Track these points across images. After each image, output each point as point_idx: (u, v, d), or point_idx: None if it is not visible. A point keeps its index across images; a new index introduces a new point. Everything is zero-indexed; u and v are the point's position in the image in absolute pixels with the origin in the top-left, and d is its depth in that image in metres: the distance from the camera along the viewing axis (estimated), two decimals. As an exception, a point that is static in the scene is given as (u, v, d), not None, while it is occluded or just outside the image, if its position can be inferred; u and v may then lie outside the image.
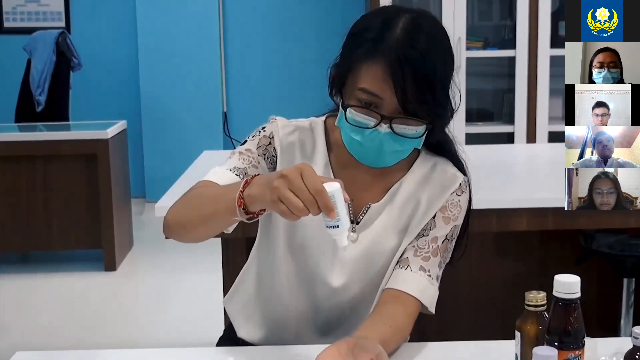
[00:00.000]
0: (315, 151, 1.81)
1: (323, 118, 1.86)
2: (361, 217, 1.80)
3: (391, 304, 1.73)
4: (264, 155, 1.79)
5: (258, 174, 1.56)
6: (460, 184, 1.81)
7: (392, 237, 1.79)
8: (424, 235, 1.79)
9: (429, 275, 1.77)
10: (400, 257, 1.79)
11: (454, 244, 1.83)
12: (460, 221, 1.82)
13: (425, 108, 1.62)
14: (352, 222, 1.80)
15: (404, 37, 1.60)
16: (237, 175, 1.74)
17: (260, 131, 1.81)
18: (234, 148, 1.87)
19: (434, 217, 1.79)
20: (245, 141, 1.82)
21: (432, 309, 1.78)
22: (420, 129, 1.65)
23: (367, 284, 1.81)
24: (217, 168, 1.77)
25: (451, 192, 1.80)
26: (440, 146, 1.85)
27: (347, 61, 1.67)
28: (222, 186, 1.67)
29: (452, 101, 1.70)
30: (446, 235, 1.80)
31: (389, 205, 1.80)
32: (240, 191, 1.52)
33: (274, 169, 1.79)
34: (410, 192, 1.80)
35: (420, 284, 1.75)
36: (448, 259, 1.83)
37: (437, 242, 1.79)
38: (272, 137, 1.79)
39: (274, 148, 1.79)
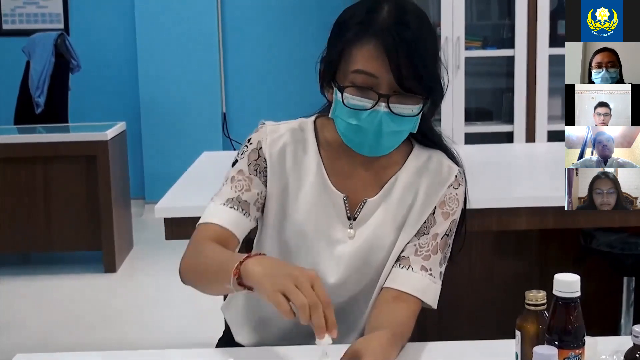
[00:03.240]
0: (307, 151, 1.82)
1: (312, 118, 1.87)
2: (357, 213, 1.81)
3: (392, 304, 1.74)
4: (256, 171, 1.80)
5: (262, 254, 1.56)
6: (456, 175, 1.82)
7: (390, 233, 1.80)
8: (424, 234, 1.79)
9: (431, 274, 1.78)
10: (400, 255, 1.80)
11: (452, 238, 1.84)
12: (457, 215, 1.83)
13: (420, 83, 1.64)
14: (348, 218, 1.80)
15: (392, 16, 1.65)
16: (231, 207, 1.76)
17: (247, 145, 1.82)
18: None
19: (433, 213, 1.80)
20: (236, 160, 1.82)
21: (435, 305, 1.79)
22: (416, 108, 1.67)
23: (365, 280, 1.81)
24: (212, 205, 1.79)
25: (449, 185, 1.81)
26: (429, 140, 1.86)
27: (337, 49, 1.69)
28: (225, 253, 1.67)
29: (442, 81, 1.72)
30: (445, 231, 1.81)
31: (385, 200, 1.81)
32: (240, 262, 1.53)
33: (266, 181, 1.80)
34: (407, 184, 1.81)
35: (422, 284, 1.76)
36: (449, 255, 1.84)
37: (437, 239, 1.80)
38: (260, 148, 1.80)
39: (264, 160, 1.80)
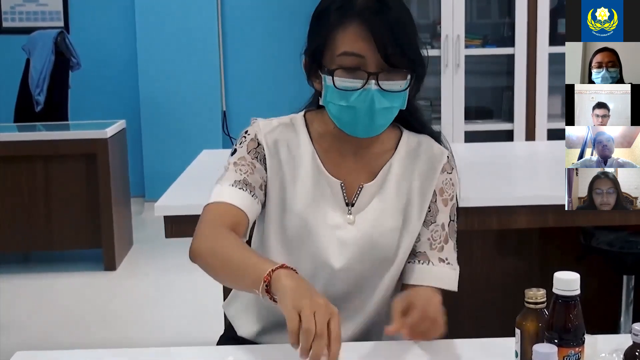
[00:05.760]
0: (300, 144, 1.85)
1: (302, 113, 1.91)
2: (355, 199, 1.84)
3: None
4: (257, 158, 1.83)
5: (293, 269, 1.57)
6: (448, 157, 1.88)
7: (391, 217, 1.83)
8: (432, 223, 1.86)
9: (449, 264, 1.86)
10: (417, 251, 1.86)
11: (456, 220, 1.91)
12: (455, 198, 1.90)
13: (405, 58, 1.69)
14: (347, 204, 1.83)
15: None
16: (240, 189, 1.78)
17: (245, 136, 1.86)
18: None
19: (435, 201, 1.86)
20: (235, 150, 1.85)
21: (456, 289, 1.87)
22: (404, 83, 1.72)
23: (370, 265, 1.84)
24: (219, 186, 1.80)
25: (442, 169, 1.86)
26: (417, 121, 1.91)
27: (320, 36, 1.76)
28: (253, 254, 1.68)
29: (423, 55, 1.76)
30: (450, 217, 1.88)
31: (382, 185, 1.85)
32: (272, 270, 1.54)
33: (266, 167, 1.82)
34: (401, 169, 1.86)
35: (444, 275, 1.85)
36: (456, 237, 1.90)
37: (445, 227, 1.87)
38: (258, 139, 1.84)
39: (263, 148, 1.83)
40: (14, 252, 5.50)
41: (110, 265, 5.24)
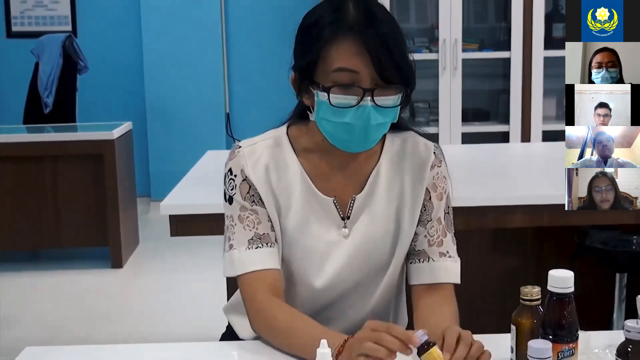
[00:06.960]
0: (288, 164, 1.81)
1: (284, 129, 1.85)
2: (349, 212, 1.82)
3: (429, 299, 1.83)
4: (254, 202, 1.78)
5: (350, 337, 1.55)
6: (434, 152, 1.86)
7: (386, 222, 1.83)
8: (428, 221, 1.84)
9: (450, 257, 1.85)
10: (415, 250, 1.85)
11: (452, 212, 1.89)
12: (449, 188, 1.88)
13: (400, 73, 1.65)
14: (342, 219, 1.82)
15: (361, 12, 1.65)
16: (257, 248, 1.76)
17: (233, 178, 1.80)
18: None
19: (429, 199, 1.84)
20: (230, 197, 1.80)
21: (459, 281, 1.87)
22: (397, 98, 1.68)
23: (366, 273, 1.84)
24: (237, 253, 1.77)
25: (431, 166, 1.84)
26: (399, 125, 1.85)
27: (311, 52, 1.68)
28: (313, 337, 1.57)
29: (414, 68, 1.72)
30: (445, 210, 1.86)
31: (373, 193, 1.82)
32: (344, 342, 1.54)
33: (264, 205, 1.79)
34: (390, 172, 1.84)
35: (446, 269, 1.84)
36: (453, 228, 1.89)
37: (442, 221, 1.85)
38: (246, 177, 1.79)
39: (255, 188, 1.78)
40: (24, 250, 5.53)
41: (117, 263, 5.28)
